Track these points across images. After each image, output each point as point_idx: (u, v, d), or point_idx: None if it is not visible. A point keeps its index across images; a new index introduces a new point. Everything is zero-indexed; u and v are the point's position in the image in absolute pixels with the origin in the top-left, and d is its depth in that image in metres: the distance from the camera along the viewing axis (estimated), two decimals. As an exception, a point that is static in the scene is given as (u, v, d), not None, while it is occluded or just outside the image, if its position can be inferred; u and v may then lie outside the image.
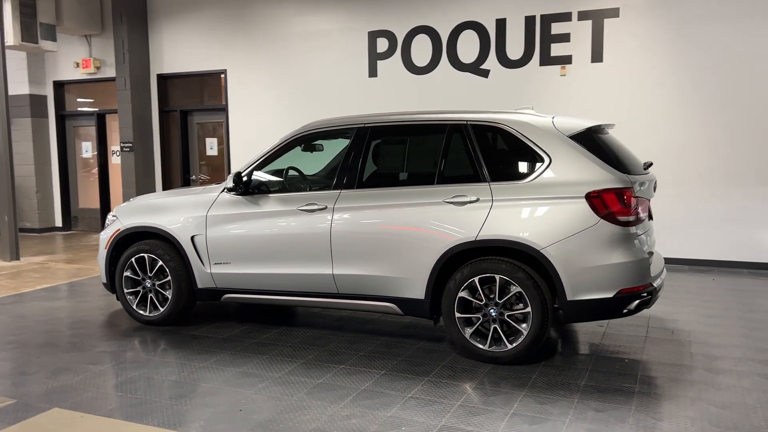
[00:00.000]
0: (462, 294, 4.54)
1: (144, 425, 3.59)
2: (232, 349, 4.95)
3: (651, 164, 5.10)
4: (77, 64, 11.83)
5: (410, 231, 4.70)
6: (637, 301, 4.32)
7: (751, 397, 3.90)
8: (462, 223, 4.54)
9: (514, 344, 4.44)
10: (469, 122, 4.76)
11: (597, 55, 8.34)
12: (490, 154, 4.69)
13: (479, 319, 4.54)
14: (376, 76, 9.59)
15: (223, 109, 10.82)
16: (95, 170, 12.29)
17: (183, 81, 11.34)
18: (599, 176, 4.35)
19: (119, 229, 5.68)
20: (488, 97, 8.87)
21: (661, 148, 8.06)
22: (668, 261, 8.15)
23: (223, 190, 5.37)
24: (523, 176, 4.53)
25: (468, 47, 9.00)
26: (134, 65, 11.00)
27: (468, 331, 4.56)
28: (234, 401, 3.92)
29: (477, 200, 4.54)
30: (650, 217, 4.96)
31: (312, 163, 5.89)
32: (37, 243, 10.94)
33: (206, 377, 4.35)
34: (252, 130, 10.55)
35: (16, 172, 12.26)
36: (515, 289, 4.39)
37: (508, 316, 4.46)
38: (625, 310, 4.33)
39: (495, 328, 4.49)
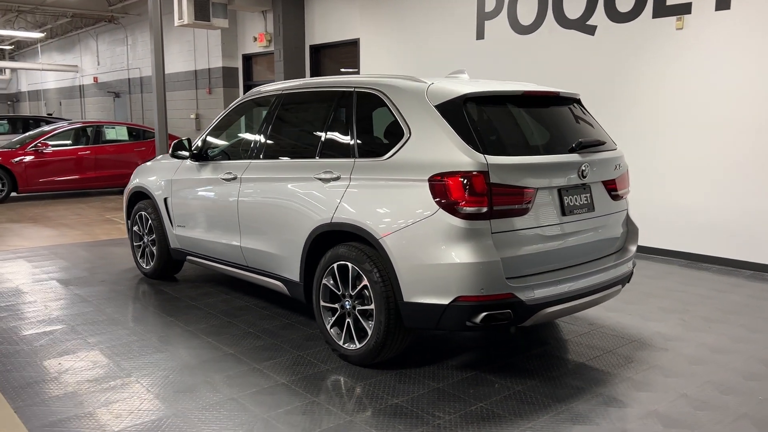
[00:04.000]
0: (325, 281, 4.10)
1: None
2: (162, 309, 5.19)
3: (581, 144, 3.88)
4: (255, 39, 13.05)
5: (288, 207, 4.35)
6: (483, 314, 3.42)
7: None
8: (323, 203, 4.07)
9: (362, 344, 3.88)
10: (355, 89, 4.19)
11: (723, 1, 6.47)
12: (363, 125, 4.08)
13: (337, 310, 4.06)
14: (483, 38, 8.79)
15: (357, 78, 10.96)
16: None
17: (329, 51, 11.76)
18: (450, 157, 3.50)
19: (130, 188, 6.29)
20: (592, 57, 7.53)
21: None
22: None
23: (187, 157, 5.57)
24: (383, 153, 3.84)
25: (575, 0, 7.71)
26: (288, 37, 11.74)
27: (330, 322, 4.12)
28: (69, 356, 4.16)
29: (338, 178, 4.02)
30: (589, 207, 3.82)
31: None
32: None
33: (91, 330, 4.66)
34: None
35: (211, 135, 14.08)
36: (363, 281, 3.82)
37: (360, 311, 3.90)
38: (468, 323, 3.47)
39: (348, 323, 3.98)
